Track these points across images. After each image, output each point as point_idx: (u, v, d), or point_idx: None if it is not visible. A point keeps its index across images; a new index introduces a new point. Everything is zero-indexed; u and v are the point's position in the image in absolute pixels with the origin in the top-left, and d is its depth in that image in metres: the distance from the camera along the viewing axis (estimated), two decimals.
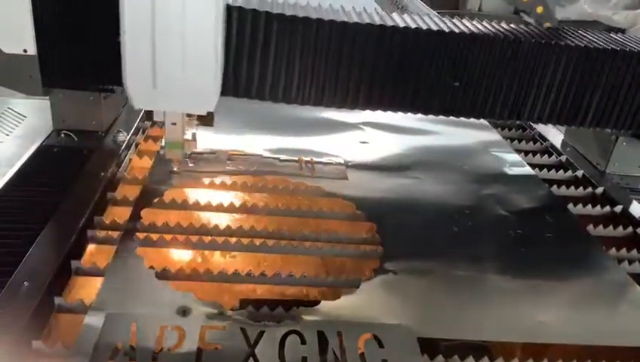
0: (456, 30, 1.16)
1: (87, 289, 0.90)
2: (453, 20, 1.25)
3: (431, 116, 1.65)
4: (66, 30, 1.17)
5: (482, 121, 1.70)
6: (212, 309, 0.85)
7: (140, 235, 1.00)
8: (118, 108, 1.45)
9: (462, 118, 1.66)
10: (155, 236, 1.00)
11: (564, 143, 1.63)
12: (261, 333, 0.81)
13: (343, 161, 1.38)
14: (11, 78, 1.20)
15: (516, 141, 1.66)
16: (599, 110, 1.26)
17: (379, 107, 1.22)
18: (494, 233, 1.15)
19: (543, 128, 1.72)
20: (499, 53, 1.16)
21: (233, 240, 1.02)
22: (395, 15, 1.22)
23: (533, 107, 1.23)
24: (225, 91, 1.09)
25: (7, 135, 1.42)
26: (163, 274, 0.92)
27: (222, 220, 1.07)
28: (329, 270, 0.96)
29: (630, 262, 1.11)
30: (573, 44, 1.19)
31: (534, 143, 1.67)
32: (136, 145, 1.37)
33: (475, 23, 1.25)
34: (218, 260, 0.99)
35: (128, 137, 1.35)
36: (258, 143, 1.42)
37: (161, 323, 0.80)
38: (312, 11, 1.13)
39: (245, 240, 1.02)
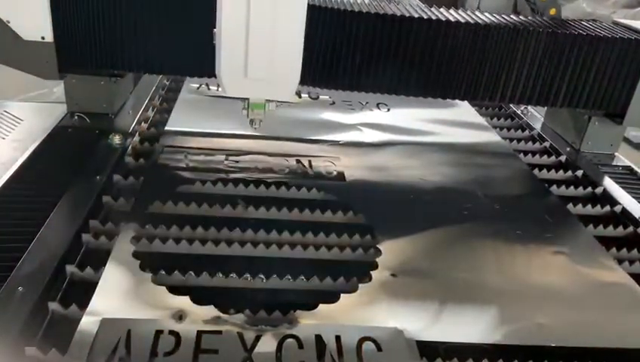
0: (434, 17, 1.27)
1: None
2: (438, 10, 1.34)
3: (429, 117, 1.69)
4: (81, 18, 1.23)
5: (481, 120, 1.71)
6: (208, 313, 0.84)
7: (136, 238, 0.99)
8: (126, 93, 1.49)
9: (462, 119, 1.71)
10: (151, 239, 0.99)
11: (543, 126, 1.68)
12: (258, 337, 0.80)
13: (340, 162, 1.38)
14: (30, 63, 1.26)
15: (505, 130, 1.71)
16: (569, 91, 1.36)
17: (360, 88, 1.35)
18: (493, 234, 1.14)
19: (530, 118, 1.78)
20: (471, 38, 1.28)
21: (230, 244, 1.01)
22: (383, 4, 1.34)
23: (504, 89, 1.35)
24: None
25: (4, 138, 1.41)
26: (159, 278, 0.91)
27: (218, 223, 1.06)
28: (327, 273, 0.95)
29: (628, 261, 1.10)
30: (540, 30, 1.29)
31: (522, 131, 1.70)
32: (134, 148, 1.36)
33: (452, 12, 1.35)
34: (215, 264, 0.97)
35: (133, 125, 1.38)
36: (255, 144, 1.42)
37: (156, 327, 0.79)
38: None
39: (242, 244, 1.01)
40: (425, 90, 1.34)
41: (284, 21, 1.00)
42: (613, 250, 1.12)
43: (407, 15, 1.27)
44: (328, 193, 1.22)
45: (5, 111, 1.54)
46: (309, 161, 1.35)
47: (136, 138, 1.40)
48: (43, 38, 1.23)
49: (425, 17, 1.27)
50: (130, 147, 1.35)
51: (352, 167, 1.34)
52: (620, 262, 1.09)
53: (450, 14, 1.33)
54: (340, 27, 1.26)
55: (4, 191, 1.11)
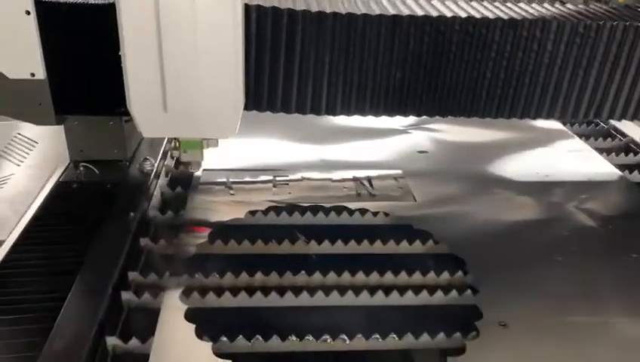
0: (524, 16, 0.99)
1: None
2: (510, 5, 1.07)
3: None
4: (79, 49, 1.00)
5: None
6: None
7: (186, 294, 0.82)
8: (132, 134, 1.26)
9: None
10: (203, 293, 0.82)
11: None
12: None
13: (401, 174, 1.20)
14: (18, 107, 1.01)
15: (592, 138, 1.46)
16: None
17: (427, 113, 1.05)
18: (605, 260, 0.95)
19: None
20: (574, 41, 1.00)
21: (298, 293, 0.84)
22: (448, 2, 1.05)
23: (615, 103, 1.07)
24: (245, 105, 0.94)
25: (19, 165, 1.26)
26: (221, 346, 0.74)
27: (278, 264, 0.89)
28: (421, 326, 0.78)
29: None
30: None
31: (612, 140, 1.46)
32: (167, 173, 1.19)
33: (535, 5, 1.08)
34: (284, 321, 0.80)
35: (156, 164, 1.17)
36: (302, 158, 1.24)
37: None
38: (340, 5, 0.97)
39: (311, 292, 0.84)
40: (485, 110, 1.04)
41: (209, 27, 0.76)
42: None
43: (481, 16, 0.97)
44: (398, 217, 1.05)
45: (19, 134, 1.38)
46: (369, 180, 1.17)
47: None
48: (33, 75, 0.98)
49: (516, 17, 0.98)
50: (163, 171, 1.18)
51: (416, 180, 1.17)
52: None
53: (537, 9, 1.06)
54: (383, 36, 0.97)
55: (24, 239, 0.94)
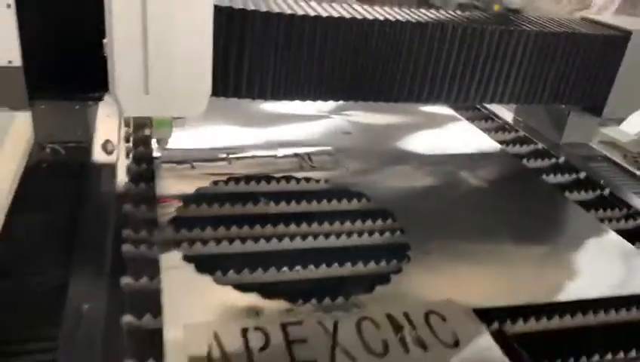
0: (427, 20, 1.27)
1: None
2: (420, 10, 1.36)
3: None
4: (54, 38, 1.13)
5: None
6: (280, 306, 0.87)
7: (177, 245, 0.99)
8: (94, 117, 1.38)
9: None
10: (191, 244, 1.00)
11: (515, 120, 1.79)
12: (336, 324, 0.85)
13: (332, 150, 1.43)
14: None
15: (476, 120, 1.80)
16: (554, 89, 1.43)
17: (352, 98, 1.31)
18: (493, 209, 1.26)
19: (494, 106, 1.87)
20: (464, 41, 1.28)
21: (269, 239, 1.04)
22: (367, 7, 1.30)
23: (494, 91, 1.38)
24: (214, 92, 1.11)
25: None
26: (217, 280, 0.92)
27: (248, 221, 1.08)
28: (367, 258, 1.02)
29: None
30: (529, 30, 1.34)
31: (492, 122, 1.81)
32: (128, 153, 1.32)
33: (434, 12, 1.36)
34: (261, 260, 1.00)
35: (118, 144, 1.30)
36: (245, 138, 1.44)
37: (241, 326, 0.81)
38: (285, 7, 1.19)
39: (279, 239, 1.05)
40: (409, 95, 1.31)
41: (187, 25, 0.94)
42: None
43: (400, 19, 1.23)
44: (336, 183, 1.28)
45: None
46: (308, 155, 1.39)
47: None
48: (10, 62, 1.09)
49: (422, 21, 1.25)
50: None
51: (345, 155, 1.41)
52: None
53: (435, 15, 1.34)
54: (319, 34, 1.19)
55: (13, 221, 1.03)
